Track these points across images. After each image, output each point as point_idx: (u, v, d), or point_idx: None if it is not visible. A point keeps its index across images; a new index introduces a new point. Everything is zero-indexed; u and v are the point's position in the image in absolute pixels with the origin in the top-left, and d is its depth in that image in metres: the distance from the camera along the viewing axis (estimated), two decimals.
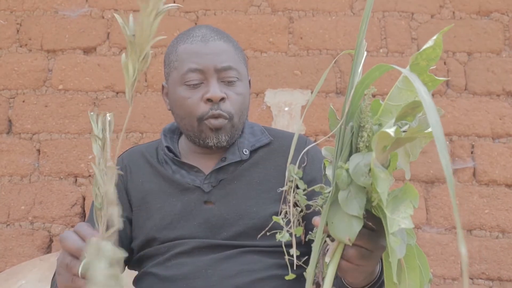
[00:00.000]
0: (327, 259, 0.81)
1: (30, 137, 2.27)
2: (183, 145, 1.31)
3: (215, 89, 1.18)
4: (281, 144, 1.28)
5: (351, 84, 0.81)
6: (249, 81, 1.32)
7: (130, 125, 2.24)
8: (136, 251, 1.24)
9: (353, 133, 0.78)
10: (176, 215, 1.19)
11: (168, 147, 1.28)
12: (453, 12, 2.37)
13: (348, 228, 0.76)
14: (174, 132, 1.35)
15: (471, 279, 2.12)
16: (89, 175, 2.22)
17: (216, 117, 1.19)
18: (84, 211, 2.20)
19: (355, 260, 0.80)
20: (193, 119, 1.20)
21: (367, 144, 0.76)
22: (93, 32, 2.36)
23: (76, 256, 0.84)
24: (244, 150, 1.25)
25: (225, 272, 1.12)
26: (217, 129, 1.20)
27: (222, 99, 1.19)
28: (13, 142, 2.25)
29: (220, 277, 1.11)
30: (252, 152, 1.27)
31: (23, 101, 2.30)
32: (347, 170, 0.76)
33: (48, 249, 2.15)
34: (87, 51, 2.36)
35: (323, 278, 0.81)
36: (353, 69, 0.82)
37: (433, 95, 2.28)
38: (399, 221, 0.71)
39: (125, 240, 1.24)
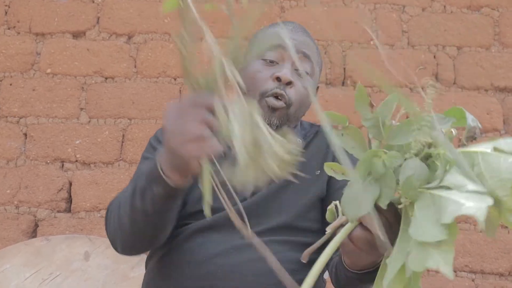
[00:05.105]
0: (327, 229, 0.80)
1: (17, 120, 2.25)
2: None
3: (287, 71, 1.24)
4: (323, 133, 1.34)
5: None
6: (317, 88, 1.39)
7: (119, 111, 2.22)
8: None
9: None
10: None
11: None
12: (444, 6, 2.38)
13: (357, 208, 0.73)
14: None
15: (454, 271, 2.15)
16: (76, 160, 2.21)
17: (278, 96, 1.23)
18: (70, 196, 2.19)
19: (359, 243, 0.78)
20: (256, 93, 1.24)
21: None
22: (83, 16, 2.34)
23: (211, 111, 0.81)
24: (298, 139, 1.31)
25: (247, 255, 1.14)
26: (273, 109, 1.23)
27: (290, 83, 1.24)
28: None
29: (241, 260, 1.13)
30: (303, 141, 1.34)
31: (11, 84, 2.27)
32: (383, 161, 0.73)
33: (33, 234, 2.14)
34: (76, 35, 2.33)
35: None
36: None
37: (422, 88, 2.29)
38: (439, 261, 0.63)
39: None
